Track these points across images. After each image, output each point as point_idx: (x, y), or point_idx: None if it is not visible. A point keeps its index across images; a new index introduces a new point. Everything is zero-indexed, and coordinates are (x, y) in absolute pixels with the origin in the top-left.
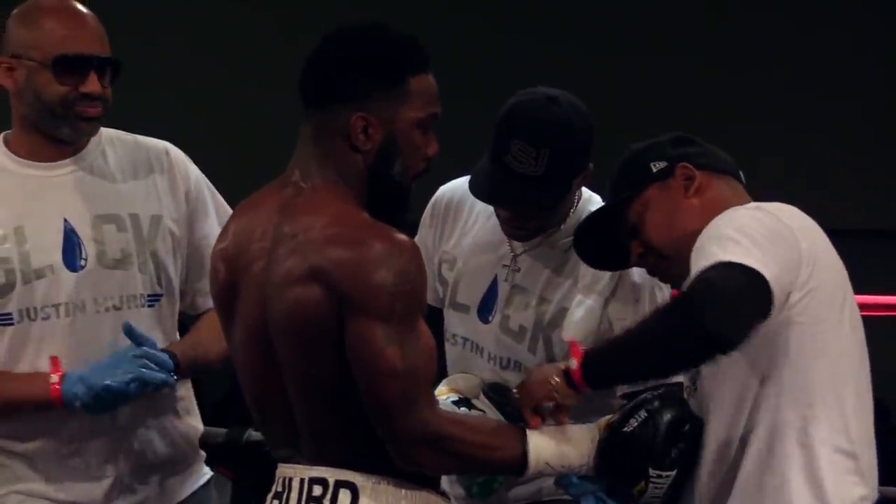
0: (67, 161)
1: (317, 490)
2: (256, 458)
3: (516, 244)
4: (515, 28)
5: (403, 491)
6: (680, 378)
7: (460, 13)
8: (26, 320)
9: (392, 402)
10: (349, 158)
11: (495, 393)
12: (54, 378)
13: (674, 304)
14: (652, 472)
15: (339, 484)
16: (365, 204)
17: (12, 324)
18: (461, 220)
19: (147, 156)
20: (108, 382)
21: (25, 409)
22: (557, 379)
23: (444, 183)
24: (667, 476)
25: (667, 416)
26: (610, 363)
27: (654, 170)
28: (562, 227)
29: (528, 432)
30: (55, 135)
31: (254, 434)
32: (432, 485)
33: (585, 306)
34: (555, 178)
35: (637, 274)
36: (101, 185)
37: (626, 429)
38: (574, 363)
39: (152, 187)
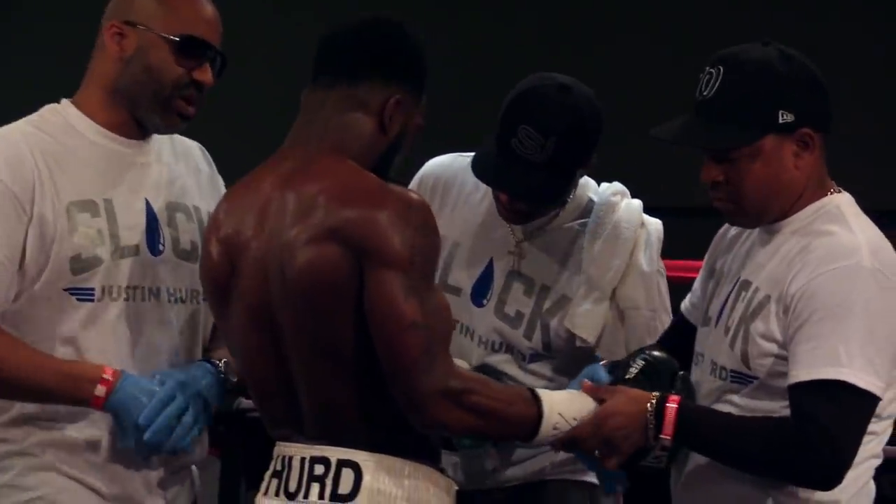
0: (144, 142)
1: (318, 469)
2: (245, 431)
3: (517, 230)
4: (516, 21)
5: (406, 468)
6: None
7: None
8: (106, 299)
9: (413, 355)
10: (372, 137)
11: (486, 373)
12: (100, 391)
13: (793, 439)
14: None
15: (342, 463)
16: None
17: (92, 300)
18: (449, 201)
19: (191, 151)
20: (149, 437)
21: (60, 403)
22: (650, 424)
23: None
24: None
25: (662, 367)
26: (703, 430)
27: (780, 120)
28: (560, 213)
29: (541, 395)
30: (142, 117)
31: (244, 402)
32: (433, 460)
33: (594, 298)
34: (559, 167)
35: (645, 263)
36: (170, 172)
37: (627, 376)
38: (671, 414)
39: (202, 183)
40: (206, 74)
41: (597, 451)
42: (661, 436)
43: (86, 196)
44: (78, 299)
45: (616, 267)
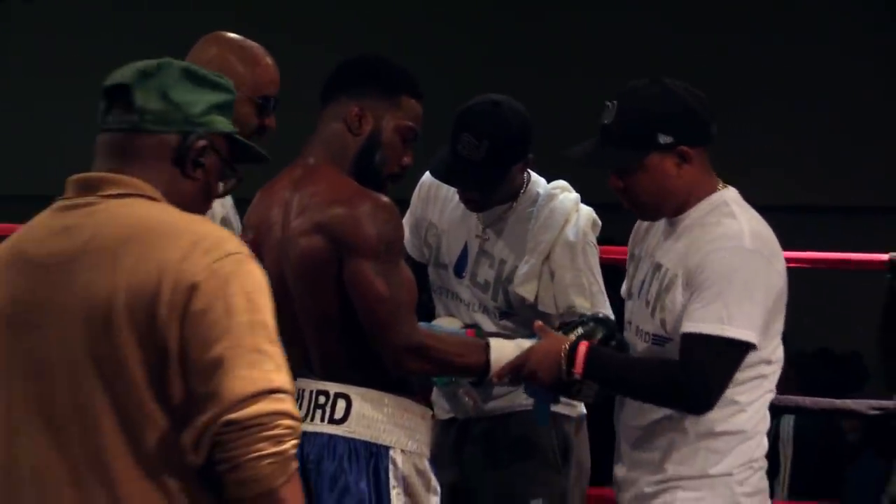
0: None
1: (321, 399)
2: None
3: (483, 219)
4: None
5: (386, 399)
6: (610, 312)
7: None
8: None
9: (382, 320)
10: (346, 141)
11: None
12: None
13: (678, 377)
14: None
15: (338, 395)
16: (354, 178)
17: None
18: (440, 198)
19: None
20: None
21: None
22: (563, 359)
23: None
24: (597, 385)
25: (598, 335)
26: (607, 369)
27: (661, 142)
28: (514, 205)
29: (492, 343)
30: None
31: None
32: (410, 392)
33: (529, 264)
34: (493, 164)
35: (572, 235)
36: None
37: (572, 333)
38: (581, 354)
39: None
40: (271, 120)
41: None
42: (573, 371)
43: None
44: None
45: (547, 240)
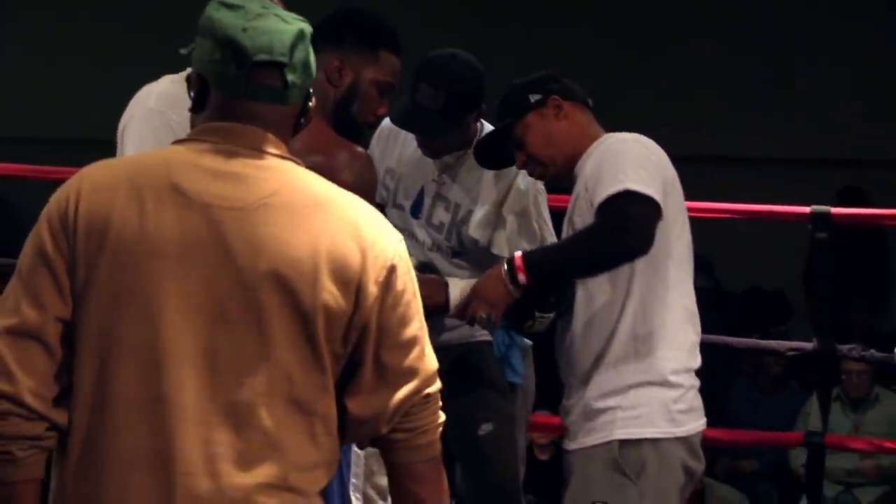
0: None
1: None
2: None
3: (439, 164)
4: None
5: None
6: None
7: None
8: None
9: None
10: (326, 91)
11: (425, 269)
12: None
13: (602, 226)
14: (537, 314)
15: None
16: (332, 127)
17: None
18: (398, 143)
19: None
20: None
21: None
22: (505, 273)
23: None
24: (547, 316)
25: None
26: (545, 263)
27: (532, 100)
28: (468, 152)
29: (450, 283)
30: None
31: None
32: None
33: (484, 210)
34: (449, 112)
35: (522, 184)
36: None
37: None
38: (518, 259)
39: None
40: None
41: (484, 314)
42: (517, 278)
43: None
44: None
45: (500, 188)
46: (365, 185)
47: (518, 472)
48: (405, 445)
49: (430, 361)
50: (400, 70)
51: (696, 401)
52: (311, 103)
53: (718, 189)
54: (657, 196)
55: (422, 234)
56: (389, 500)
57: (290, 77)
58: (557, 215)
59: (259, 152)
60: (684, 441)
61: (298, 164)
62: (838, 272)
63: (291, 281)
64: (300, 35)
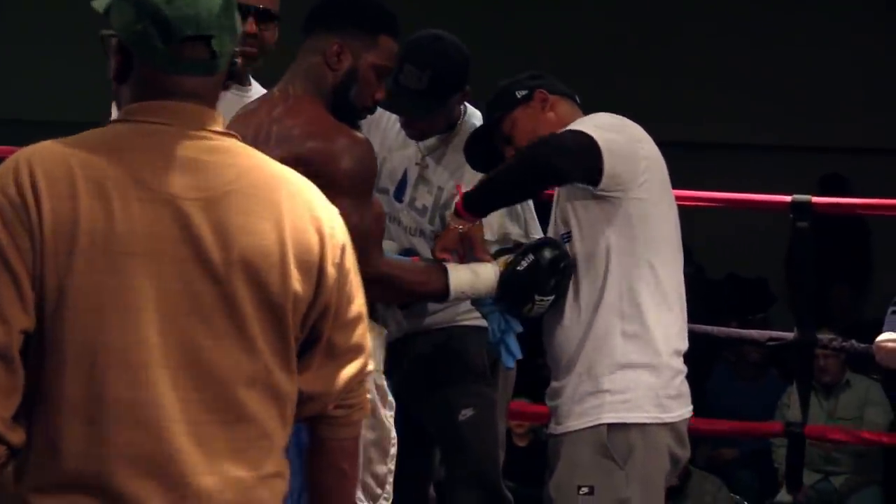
0: (246, 88)
1: None
2: None
3: (422, 147)
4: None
5: None
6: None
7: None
8: None
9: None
10: (324, 74)
11: (408, 255)
12: None
13: (528, 148)
14: (536, 297)
15: None
16: (330, 111)
17: None
18: (381, 126)
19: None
20: None
21: None
22: (451, 216)
23: None
24: (547, 300)
25: (547, 257)
26: (480, 193)
27: (518, 96)
28: (452, 134)
29: (449, 270)
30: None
31: None
32: (370, 313)
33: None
34: (433, 94)
35: None
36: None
37: (518, 268)
38: (458, 198)
39: None
40: (251, 26)
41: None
42: (461, 214)
43: None
44: None
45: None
46: (365, 173)
47: (498, 458)
48: (343, 422)
49: (368, 338)
50: (396, 51)
51: (684, 387)
52: (237, 62)
53: (698, 176)
54: (601, 140)
55: (405, 218)
56: (388, 487)
57: (218, 47)
58: (544, 204)
59: (208, 132)
60: (671, 427)
61: (238, 138)
62: (820, 260)
63: (262, 271)
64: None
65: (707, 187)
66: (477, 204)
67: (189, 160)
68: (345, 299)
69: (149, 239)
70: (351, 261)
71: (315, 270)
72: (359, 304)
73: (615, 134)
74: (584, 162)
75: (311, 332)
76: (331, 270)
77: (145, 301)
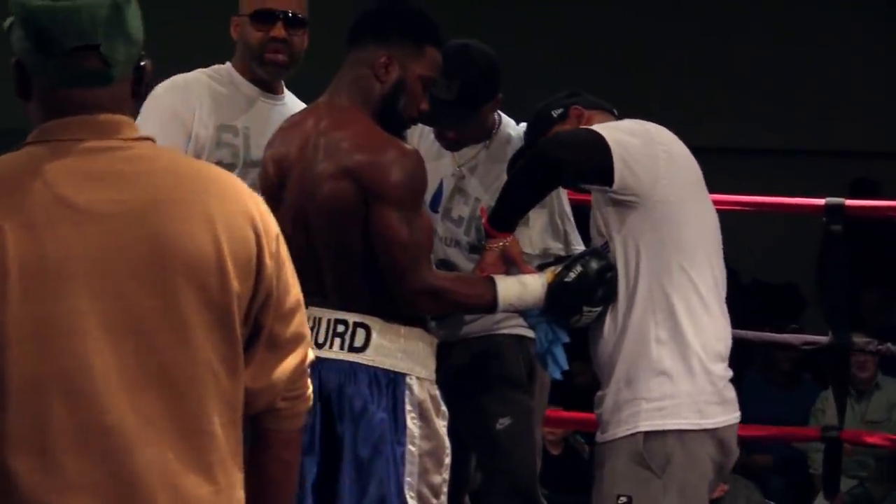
0: (279, 96)
1: (340, 328)
2: None
3: (458, 157)
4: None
5: (402, 329)
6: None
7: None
8: None
9: (402, 265)
10: (371, 86)
11: (443, 266)
12: None
13: (531, 150)
14: (585, 308)
15: (357, 324)
16: (377, 123)
17: None
18: (415, 137)
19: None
20: None
21: None
22: (485, 240)
23: None
24: (595, 310)
25: (595, 268)
26: (500, 206)
27: (555, 115)
28: (487, 144)
29: (497, 282)
30: (255, 72)
31: None
32: (423, 324)
33: (541, 218)
34: (464, 102)
35: None
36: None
37: (567, 279)
38: (483, 219)
39: None
40: (280, 31)
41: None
42: (491, 233)
43: (231, 122)
44: None
45: None
46: (415, 184)
47: (535, 466)
48: (287, 414)
49: (307, 327)
50: (441, 63)
51: (728, 392)
52: (146, 67)
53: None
54: (612, 141)
55: (441, 228)
56: (443, 497)
57: (109, 56)
58: (583, 211)
59: (125, 142)
60: (713, 434)
61: (154, 141)
62: (852, 264)
63: (202, 276)
64: (114, 5)
65: (735, 192)
66: (501, 218)
67: (111, 173)
68: (283, 289)
69: (82, 260)
70: (285, 250)
71: (254, 264)
72: (295, 293)
73: (630, 135)
74: (589, 155)
75: (254, 326)
76: (269, 262)
77: (85, 324)
